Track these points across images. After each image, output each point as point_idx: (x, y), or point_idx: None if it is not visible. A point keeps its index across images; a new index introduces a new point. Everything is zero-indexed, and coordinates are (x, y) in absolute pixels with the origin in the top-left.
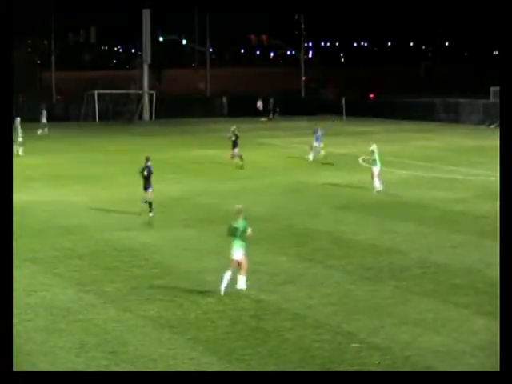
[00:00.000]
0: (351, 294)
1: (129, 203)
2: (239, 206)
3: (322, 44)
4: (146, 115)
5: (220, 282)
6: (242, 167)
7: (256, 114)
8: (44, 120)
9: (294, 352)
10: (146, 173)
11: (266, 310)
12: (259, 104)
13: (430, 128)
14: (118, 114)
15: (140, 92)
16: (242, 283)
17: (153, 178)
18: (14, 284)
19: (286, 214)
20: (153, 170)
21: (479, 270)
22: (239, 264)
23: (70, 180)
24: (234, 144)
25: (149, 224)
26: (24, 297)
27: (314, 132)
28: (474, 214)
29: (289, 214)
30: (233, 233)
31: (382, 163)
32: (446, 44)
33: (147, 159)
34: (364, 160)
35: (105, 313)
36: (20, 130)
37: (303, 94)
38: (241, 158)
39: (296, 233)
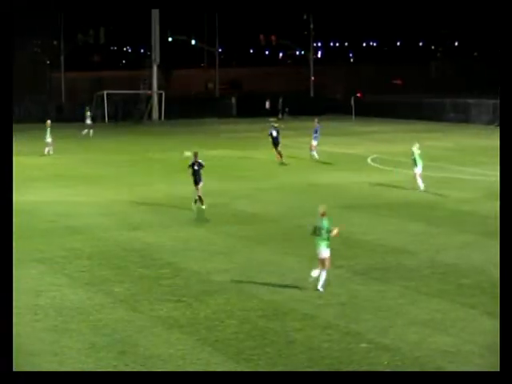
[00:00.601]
0: (360, 294)
1: (137, 203)
2: (323, 206)
3: (331, 44)
4: (155, 115)
5: (310, 277)
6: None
7: (264, 114)
8: (88, 121)
9: (303, 352)
10: (196, 167)
11: (274, 310)
12: (267, 104)
13: (439, 128)
14: (127, 114)
15: (149, 92)
16: (321, 283)
17: (202, 173)
18: (23, 284)
19: (295, 214)
20: (203, 163)
21: (486, 271)
22: (323, 263)
23: (77, 180)
24: (276, 141)
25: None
26: (33, 297)
27: (315, 131)
28: (482, 214)
29: (298, 214)
30: (317, 232)
31: (394, 163)
32: (456, 44)
33: (195, 155)
34: (373, 160)
35: (114, 313)
36: (49, 131)
37: (312, 94)
38: (282, 154)
39: (305, 233)
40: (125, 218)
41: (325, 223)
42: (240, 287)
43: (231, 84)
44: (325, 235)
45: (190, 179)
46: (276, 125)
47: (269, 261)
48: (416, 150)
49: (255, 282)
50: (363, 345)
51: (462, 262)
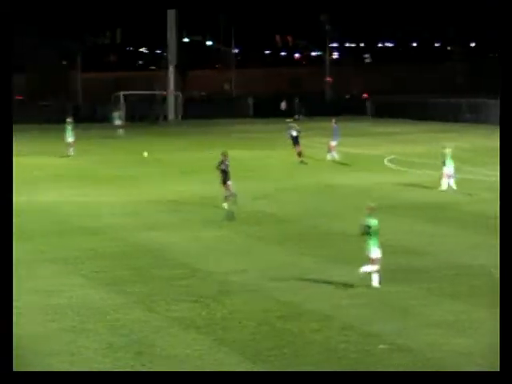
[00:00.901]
0: (376, 295)
1: (152, 203)
2: (371, 204)
3: (348, 45)
4: (171, 116)
5: (363, 273)
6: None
7: (281, 114)
8: (117, 121)
9: (320, 353)
10: (223, 167)
11: (292, 310)
12: (283, 105)
13: (455, 128)
14: (144, 114)
15: (165, 93)
16: (376, 281)
17: (230, 172)
18: (39, 285)
19: (312, 215)
20: (229, 164)
21: (496, 272)
22: (373, 261)
23: (93, 180)
24: (296, 141)
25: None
26: (49, 298)
27: (333, 131)
28: (495, 216)
29: (315, 215)
30: (366, 231)
31: (411, 164)
32: (472, 45)
33: (224, 154)
34: (389, 160)
35: (131, 313)
36: (70, 131)
37: (328, 95)
38: (302, 153)
39: (321, 234)
40: (140, 218)
41: (373, 222)
42: (257, 288)
43: (291, 83)
44: (375, 233)
45: (207, 180)
46: (295, 126)
47: (286, 261)
48: (447, 151)
49: (272, 283)
50: (380, 346)
51: (474, 263)
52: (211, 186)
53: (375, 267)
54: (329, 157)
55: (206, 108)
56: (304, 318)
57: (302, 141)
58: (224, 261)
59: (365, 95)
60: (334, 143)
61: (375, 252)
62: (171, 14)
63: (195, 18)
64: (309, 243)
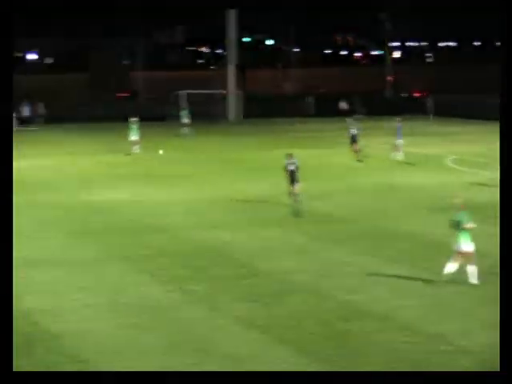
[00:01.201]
0: (440, 296)
1: (215, 202)
2: (459, 199)
3: (409, 44)
4: (232, 115)
5: (443, 270)
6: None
7: (341, 113)
8: (185, 120)
9: (381, 354)
10: (290, 168)
11: (352, 311)
12: (343, 104)
13: None
14: (204, 113)
15: (225, 92)
16: (473, 277)
17: (299, 174)
18: (104, 282)
19: (371, 215)
20: (298, 164)
21: None
22: (466, 256)
23: (159, 179)
24: (354, 139)
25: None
26: (113, 294)
27: (398, 129)
28: None
29: (374, 215)
30: (456, 226)
31: (473, 164)
32: None
33: (290, 156)
34: (452, 161)
35: (192, 311)
36: (135, 130)
37: (389, 94)
38: (359, 151)
39: (382, 234)
40: (202, 216)
41: (461, 215)
42: (317, 287)
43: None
44: (463, 228)
45: (266, 179)
46: (355, 124)
47: (345, 261)
48: None
49: (332, 283)
50: (443, 347)
51: None
52: (272, 184)
53: (471, 262)
54: (395, 156)
55: (267, 107)
56: (364, 318)
57: (361, 140)
58: (283, 260)
59: (416, 94)
60: (399, 142)
61: (467, 245)
62: (231, 14)
63: (256, 18)
64: (369, 243)
